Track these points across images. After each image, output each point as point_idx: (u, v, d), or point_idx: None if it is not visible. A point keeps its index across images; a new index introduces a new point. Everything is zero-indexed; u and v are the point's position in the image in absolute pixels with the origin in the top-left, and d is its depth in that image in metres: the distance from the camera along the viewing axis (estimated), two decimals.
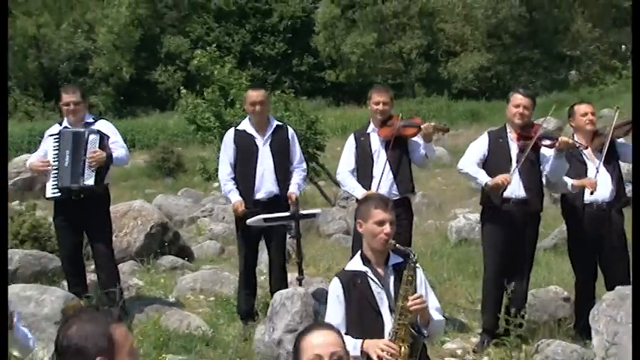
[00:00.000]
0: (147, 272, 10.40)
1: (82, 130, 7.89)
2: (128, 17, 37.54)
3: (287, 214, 7.76)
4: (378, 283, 4.88)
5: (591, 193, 7.49)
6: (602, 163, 7.55)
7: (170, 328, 7.93)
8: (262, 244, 8.63)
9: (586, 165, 7.67)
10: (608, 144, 7.53)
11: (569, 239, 8.10)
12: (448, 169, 19.64)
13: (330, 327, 3.59)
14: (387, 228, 4.84)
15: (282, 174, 8.09)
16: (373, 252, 4.92)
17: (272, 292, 7.99)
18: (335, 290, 4.89)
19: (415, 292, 4.81)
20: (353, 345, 4.64)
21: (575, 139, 7.61)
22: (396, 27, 36.44)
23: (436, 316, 4.98)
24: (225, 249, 12.29)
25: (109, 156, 7.90)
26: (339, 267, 9.71)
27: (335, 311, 4.86)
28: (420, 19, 35.73)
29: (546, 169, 7.69)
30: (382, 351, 4.59)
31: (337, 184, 17.48)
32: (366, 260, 4.94)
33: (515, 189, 7.58)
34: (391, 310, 4.83)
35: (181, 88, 19.35)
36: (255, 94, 8.11)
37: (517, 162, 7.59)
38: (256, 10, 36.91)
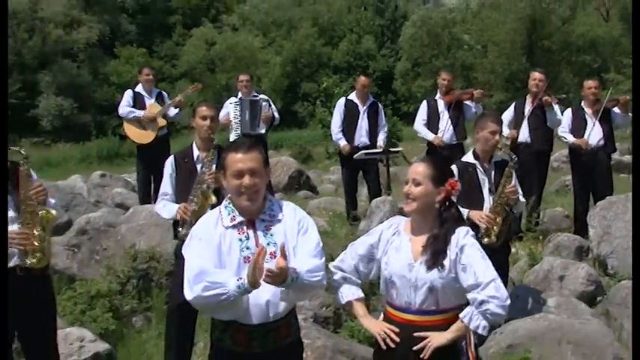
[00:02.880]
0: (289, 200, 10.07)
1: (258, 98, 7.96)
2: (280, 72, 37.58)
3: (380, 150, 7.39)
4: (483, 172, 4.56)
5: (582, 150, 6.96)
6: (597, 121, 6.97)
7: None
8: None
9: (586, 121, 7.05)
10: (602, 110, 6.97)
11: (572, 172, 7.42)
12: None
13: (430, 161, 3.02)
14: (497, 137, 4.52)
15: (374, 130, 7.68)
16: (482, 152, 4.57)
17: None
18: None
19: (512, 183, 4.48)
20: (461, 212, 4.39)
21: (582, 104, 7.22)
22: None
23: (521, 199, 4.63)
24: (337, 189, 11.83)
25: (273, 115, 7.96)
26: None
27: None
28: (461, 71, 34.59)
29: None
30: (483, 218, 4.34)
31: (410, 163, 17.21)
32: (476, 156, 4.61)
33: (525, 135, 7.16)
34: (490, 192, 4.51)
35: (318, 103, 19.75)
36: (364, 79, 7.84)
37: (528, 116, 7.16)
38: (358, 65, 36.36)
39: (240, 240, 2.73)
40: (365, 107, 7.73)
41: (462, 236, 2.84)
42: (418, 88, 34.13)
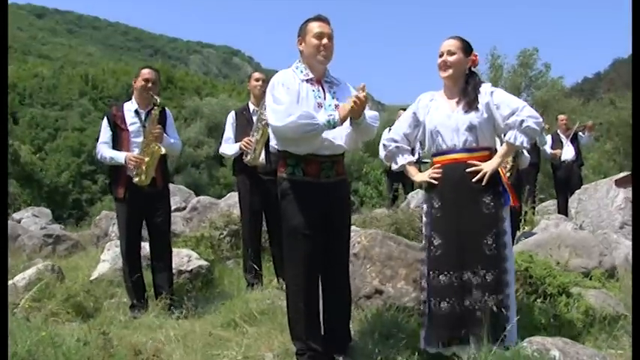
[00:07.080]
0: None
1: None
2: None
3: None
4: None
5: (559, 159, 6.68)
6: (569, 142, 6.76)
7: None
8: None
9: (562, 142, 6.81)
10: (572, 134, 6.80)
11: (555, 179, 6.94)
12: None
13: (458, 36, 2.64)
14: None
15: None
16: None
17: None
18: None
19: None
20: None
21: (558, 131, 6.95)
22: None
23: (525, 153, 4.35)
24: None
25: None
26: None
27: None
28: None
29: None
30: None
31: None
32: None
33: None
34: None
35: None
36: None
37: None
38: None
39: (314, 91, 2.47)
40: None
41: (489, 87, 2.56)
42: None
